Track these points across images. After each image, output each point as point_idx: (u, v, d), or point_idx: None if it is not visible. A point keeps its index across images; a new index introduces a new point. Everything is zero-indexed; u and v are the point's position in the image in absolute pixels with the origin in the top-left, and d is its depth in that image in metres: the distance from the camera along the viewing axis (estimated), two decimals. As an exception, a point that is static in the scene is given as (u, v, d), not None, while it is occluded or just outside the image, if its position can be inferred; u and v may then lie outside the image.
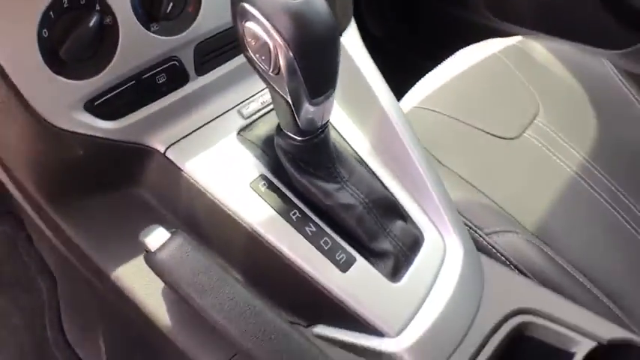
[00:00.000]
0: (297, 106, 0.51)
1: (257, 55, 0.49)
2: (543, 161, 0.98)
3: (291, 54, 0.47)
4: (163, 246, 0.52)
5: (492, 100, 1.10)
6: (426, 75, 1.15)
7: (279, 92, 0.51)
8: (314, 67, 0.49)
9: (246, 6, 0.47)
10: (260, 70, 0.50)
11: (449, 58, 1.21)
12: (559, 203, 0.91)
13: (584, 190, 0.96)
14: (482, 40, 1.27)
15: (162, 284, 0.61)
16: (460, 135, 0.99)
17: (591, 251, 0.86)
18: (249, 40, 0.48)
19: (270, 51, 0.48)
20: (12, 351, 1.13)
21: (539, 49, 1.24)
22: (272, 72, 0.49)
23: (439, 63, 1.20)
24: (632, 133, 1.14)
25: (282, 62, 0.48)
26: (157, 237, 0.53)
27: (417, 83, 1.12)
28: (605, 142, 1.07)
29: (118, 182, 0.64)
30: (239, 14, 0.48)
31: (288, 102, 0.51)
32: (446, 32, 1.69)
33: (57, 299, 1.15)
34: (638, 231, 0.94)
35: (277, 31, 0.46)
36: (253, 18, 0.47)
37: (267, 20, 0.46)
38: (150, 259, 0.53)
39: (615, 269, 0.85)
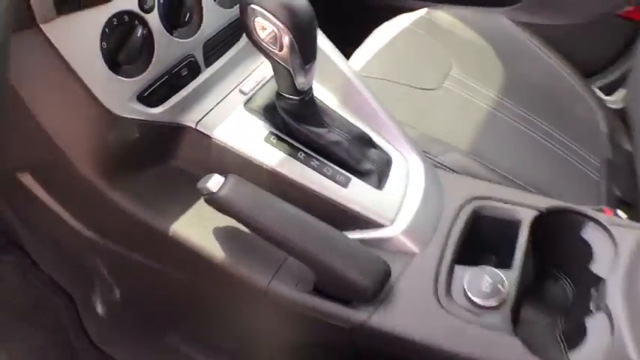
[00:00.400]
0: (295, 72, 0.79)
1: (265, 40, 0.77)
2: (465, 103, 1.30)
3: (291, 35, 0.75)
4: (222, 186, 0.77)
5: (413, 62, 1.41)
6: (354, 52, 1.46)
7: (281, 64, 0.79)
8: (306, 43, 0.77)
9: (256, 7, 0.74)
10: (267, 50, 0.78)
11: (370, 36, 1.53)
12: (485, 131, 1.23)
13: (503, 120, 1.28)
14: (389, 19, 1.59)
15: (211, 228, 0.86)
16: (393, 92, 1.29)
17: (516, 160, 1.19)
18: (259, 30, 0.76)
19: (276, 35, 0.76)
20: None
21: (444, 16, 1.56)
22: (277, 50, 0.77)
23: (353, 46, 1.51)
24: (535, 72, 1.49)
25: (285, 42, 0.75)
26: (215, 181, 0.77)
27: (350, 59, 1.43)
28: (514, 81, 1.41)
29: (158, 157, 0.88)
30: (249, 14, 0.76)
31: (288, 70, 0.79)
32: (356, 17, 2.01)
33: (77, 314, 1.32)
34: (551, 143, 1.27)
35: (281, 21, 0.74)
36: (261, 14, 0.74)
37: (273, 15, 0.74)
38: (213, 199, 0.77)
39: (538, 170, 1.19)
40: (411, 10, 1.61)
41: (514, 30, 1.55)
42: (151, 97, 0.82)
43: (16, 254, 1.33)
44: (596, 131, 1.46)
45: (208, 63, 0.91)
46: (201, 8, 0.88)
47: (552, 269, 0.96)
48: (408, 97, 1.29)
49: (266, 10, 0.74)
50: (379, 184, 0.89)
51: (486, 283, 0.80)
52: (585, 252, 0.90)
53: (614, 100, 1.71)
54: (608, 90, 1.77)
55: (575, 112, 1.46)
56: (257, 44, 0.79)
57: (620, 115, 1.59)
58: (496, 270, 0.82)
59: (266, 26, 0.75)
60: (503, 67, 1.44)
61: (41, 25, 0.71)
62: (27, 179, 0.95)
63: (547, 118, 1.35)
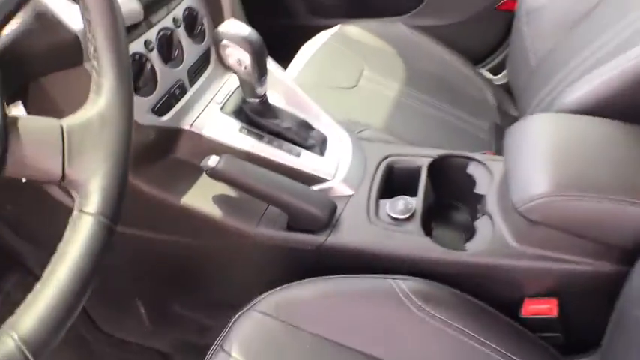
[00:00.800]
0: (256, 82, 1.22)
1: (234, 63, 1.21)
2: (377, 94, 1.74)
3: (252, 58, 1.18)
4: (219, 162, 1.16)
5: (333, 69, 1.84)
6: (289, 66, 1.91)
7: (245, 78, 1.23)
8: (260, 63, 1.19)
9: (226, 42, 1.19)
10: (235, 69, 1.21)
11: (298, 53, 1.96)
12: (393, 113, 1.66)
13: (408, 104, 1.72)
14: (311, 37, 2.04)
15: (209, 197, 1.25)
16: (321, 92, 1.69)
17: (419, 132, 1.63)
18: (230, 56, 1.21)
19: (240, 60, 1.21)
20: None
21: (353, 29, 2.01)
22: (243, 69, 1.21)
23: (287, 61, 1.93)
24: (431, 65, 1.95)
25: (247, 63, 1.18)
26: (213, 160, 1.15)
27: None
28: (415, 74, 1.85)
29: (163, 152, 1.28)
30: (222, 47, 1.21)
31: (250, 82, 1.24)
32: (279, 40, 2.46)
33: (84, 311, 1.54)
34: (449, 117, 1.72)
35: (244, 50, 1.18)
36: (230, 47, 1.19)
37: (239, 46, 1.18)
38: (214, 172, 1.14)
39: (438, 138, 1.64)
40: (327, 27, 2.05)
41: (411, 34, 2.03)
42: (159, 110, 1.23)
43: (21, 271, 1.54)
44: (485, 105, 1.93)
45: (191, 83, 1.34)
46: (182, 46, 1.32)
47: (452, 201, 1.42)
48: (333, 94, 1.72)
49: (234, 43, 1.18)
50: (321, 153, 1.33)
51: (401, 205, 1.25)
52: (471, 182, 1.35)
53: (500, 78, 2.22)
54: (496, 71, 2.27)
55: (467, 92, 1.93)
56: (226, 65, 1.23)
57: (506, 89, 2.08)
58: (407, 197, 1.28)
59: (234, 54, 1.20)
60: (404, 63, 1.90)
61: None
62: (54, 190, 1.23)
63: (444, 99, 1.81)
